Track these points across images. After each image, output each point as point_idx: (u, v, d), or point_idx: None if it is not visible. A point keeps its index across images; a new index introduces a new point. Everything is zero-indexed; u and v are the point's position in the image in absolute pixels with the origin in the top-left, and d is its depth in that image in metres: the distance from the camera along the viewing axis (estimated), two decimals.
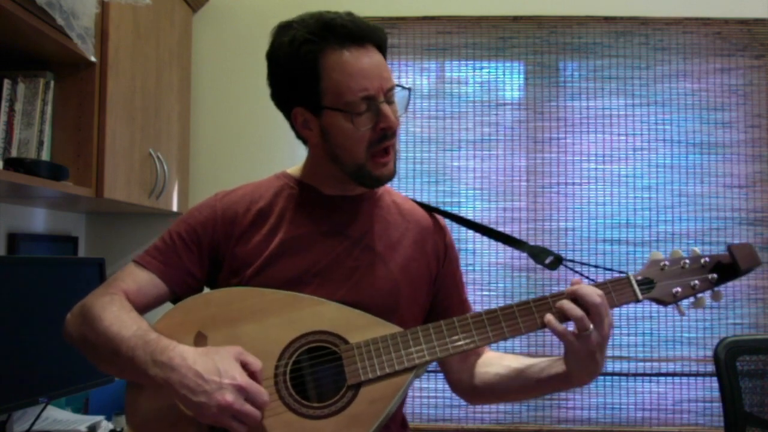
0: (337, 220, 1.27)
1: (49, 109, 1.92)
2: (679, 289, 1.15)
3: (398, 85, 1.21)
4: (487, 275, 2.72)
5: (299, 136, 1.29)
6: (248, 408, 1.03)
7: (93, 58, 1.97)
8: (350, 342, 1.15)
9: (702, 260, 1.17)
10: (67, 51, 1.85)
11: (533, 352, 2.67)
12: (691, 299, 1.17)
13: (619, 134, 2.76)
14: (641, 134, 2.76)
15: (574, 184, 2.76)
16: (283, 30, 1.21)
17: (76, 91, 2.00)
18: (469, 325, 1.15)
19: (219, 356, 1.07)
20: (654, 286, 1.16)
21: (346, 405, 1.12)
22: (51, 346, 1.92)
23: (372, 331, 1.16)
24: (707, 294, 1.17)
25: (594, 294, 1.09)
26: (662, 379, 2.69)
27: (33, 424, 1.89)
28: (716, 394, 2.09)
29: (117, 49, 2.10)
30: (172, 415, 1.10)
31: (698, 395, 2.69)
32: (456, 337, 1.15)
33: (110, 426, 2.06)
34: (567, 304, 1.10)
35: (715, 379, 1.95)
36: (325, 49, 1.16)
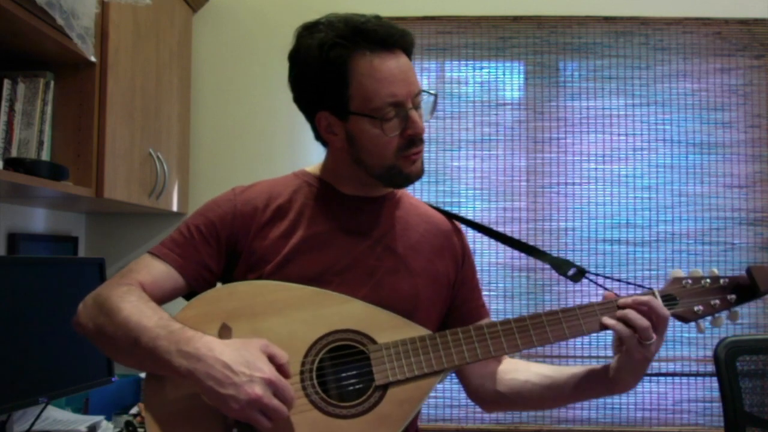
0: (357, 220, 1.26)
1: (49, 109, 1.92)
2: (701, 308, 1.19)
3: (425, 91, 1.21)
4: (487, 275, 2.71)
5: (319, 138, 1.28)
6: (276, 403, 1.01)
7: (93, 58, 1.97)
8: (378, 342, 1.14)
9: (721, 281, 1.20)
10: (67, 51, 1.85)
11: (533, 353, 2.66)
12: (710, 318, 1.21)
13: (619, 134, 2.76)
14: (641, 134, 2.76)
15: (574, 184, 2.76)
16: (308, 32, 1.19)
17: (76, 91, 2.00)
18: (498, 332, 1.17)
19: (246, 348, 1.04)
20: (677, 303, 1.19)
21: (374, 405, 1.11)
22: (51, 346, 1.92)
23: (400, 332, 1.16)
24: (724, 314, 1.21)
25: (663, 308, 1.14)
26: (662, 379, 2.69)
27: (33, 424, 1.89)
28: (716, 394, 2.09)
29: (117, 49, 2.10)
30: (194, 408, 1.08)
31: (698, 395, 2.69)
32: (485, 343, 1.16)
33: (110, 426, 2.06)
34: (633, 314, 1.13)
35: (715, 379, 1.95)
36: (355, 54, 1.15)
